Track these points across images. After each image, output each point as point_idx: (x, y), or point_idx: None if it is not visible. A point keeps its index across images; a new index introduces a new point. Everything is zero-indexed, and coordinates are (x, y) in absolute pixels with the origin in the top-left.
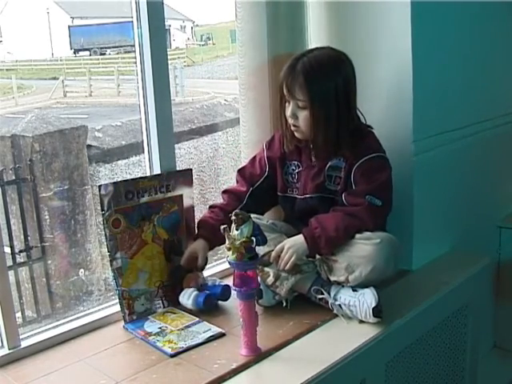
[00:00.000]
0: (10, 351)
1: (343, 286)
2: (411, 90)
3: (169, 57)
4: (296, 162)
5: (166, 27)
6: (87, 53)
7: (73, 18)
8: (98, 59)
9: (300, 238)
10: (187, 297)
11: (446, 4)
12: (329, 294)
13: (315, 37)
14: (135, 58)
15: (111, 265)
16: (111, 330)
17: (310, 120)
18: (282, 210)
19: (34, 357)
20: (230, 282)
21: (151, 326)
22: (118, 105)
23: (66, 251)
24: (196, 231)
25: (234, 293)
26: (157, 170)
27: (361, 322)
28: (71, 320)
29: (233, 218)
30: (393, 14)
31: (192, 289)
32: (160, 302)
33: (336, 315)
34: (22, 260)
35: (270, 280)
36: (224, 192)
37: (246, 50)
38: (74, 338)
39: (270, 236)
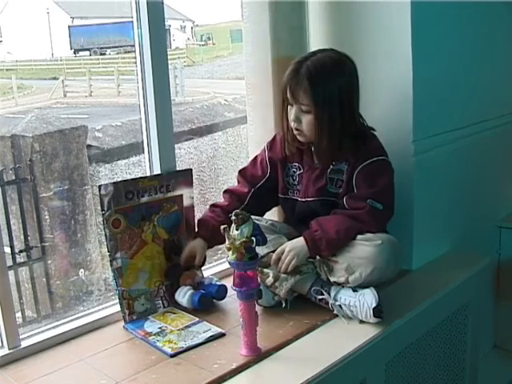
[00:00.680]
0: (10, 351)
1: (343, 287)
2: (411, 90)
3: (169, 57)
4: (297, 165)
5: (166, 27)
6: (87, 53)
7: (73, 18)
8: (98, 59)
9: (301, 240)
10: (182, 295)
11: (446, 4)
12: (329, 294)
13: (315, 37)
14: (135, 57)
15: (111, 265)
16: (111, 329)
17: (314, 124)
18: (281, 211)
19: (33, 357)
20: (229, 282)
21: (151, 325)
22: (117, 105)
23: (66, 251)
24: (196, 230)
25: (232, 293)
26: (157, 170)
27: (361, 322)
28: (71, 320)
29: (233, 218)
30: (393, 14)
31: (188, 287)
32: (160, 301)
33: (336, 315)
34: (22, 260)
35: (270, 281)
36: (225, 192)
37: (251, 50)
38: (74, 338)
39: (268, 237)
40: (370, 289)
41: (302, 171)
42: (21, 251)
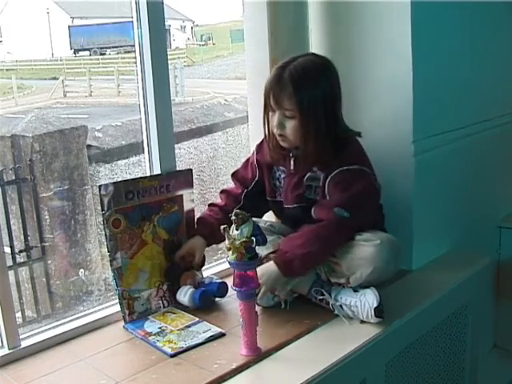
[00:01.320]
0: (10, 351)
1: (344, 287)
2: (411, 90)
3: (169, 57)
4: (282, 168)
5: (166, 27)
6: (87, 53)
7: (73, 18)
8: (98, 59)
9: (271, 265)
10: (183, 294)
11: (446, 4)
12: (329, 294)
13: (316, 37)
14: (135, 58)
15: (111, 265)
16: (111, 329)
17: (298, 129)
18: None
19: (33, 357)
20: (229, 282)
21: (151, 325)
22: (117, 105)
23: (66, 251)
24: (195, 227)
25: (233, 292)
26: (157, 170)
27: (362, 322)
28: (71, 320)
29: (233, 217)
30: (393, 15)
31: (188, 286)
32: (160, 302)
33: (336, 315)
34: (22, 260)
35: None
36: (222, 192)
37: (252, 50)
38: (74, 338)
39: (268, 238)
40: (371, 289)
41: (285, 175)
42: (21, 251)
